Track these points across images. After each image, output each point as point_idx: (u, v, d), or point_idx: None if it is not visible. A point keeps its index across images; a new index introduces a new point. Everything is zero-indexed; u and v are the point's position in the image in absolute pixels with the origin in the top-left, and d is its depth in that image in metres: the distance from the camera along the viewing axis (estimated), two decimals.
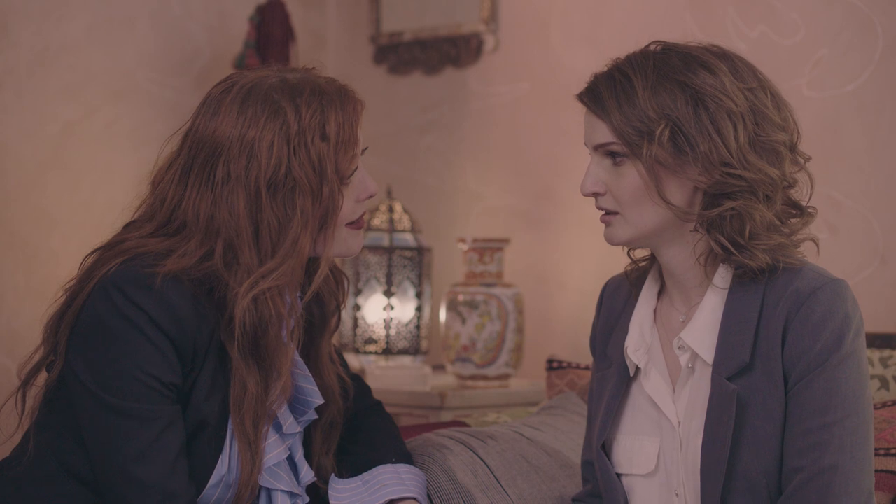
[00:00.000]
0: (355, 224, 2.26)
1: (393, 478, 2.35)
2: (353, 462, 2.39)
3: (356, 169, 2.24)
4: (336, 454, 2.41)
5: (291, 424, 2.26)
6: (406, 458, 2.42)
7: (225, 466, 2.17)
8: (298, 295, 2.23)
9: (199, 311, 2.14)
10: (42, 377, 2.25)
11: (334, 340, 4.00)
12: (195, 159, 2.19)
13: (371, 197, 2.27)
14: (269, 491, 2.26)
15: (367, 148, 2.27)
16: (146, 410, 2.11)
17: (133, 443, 2.11)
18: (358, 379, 2.50)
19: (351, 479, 2.36)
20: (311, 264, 2.26)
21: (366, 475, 2.36)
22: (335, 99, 2.21)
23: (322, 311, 2.35)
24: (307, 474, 2.30)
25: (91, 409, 2.13)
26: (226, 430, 2.18)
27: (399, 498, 2.33)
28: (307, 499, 2.31)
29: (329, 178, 2.18)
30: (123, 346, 2.11)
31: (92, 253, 2.22)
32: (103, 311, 2.13)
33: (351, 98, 2.23)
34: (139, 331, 2.11)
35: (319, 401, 2.29)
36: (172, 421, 2.14)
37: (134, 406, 2.11)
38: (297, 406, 2.29)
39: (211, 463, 2.17)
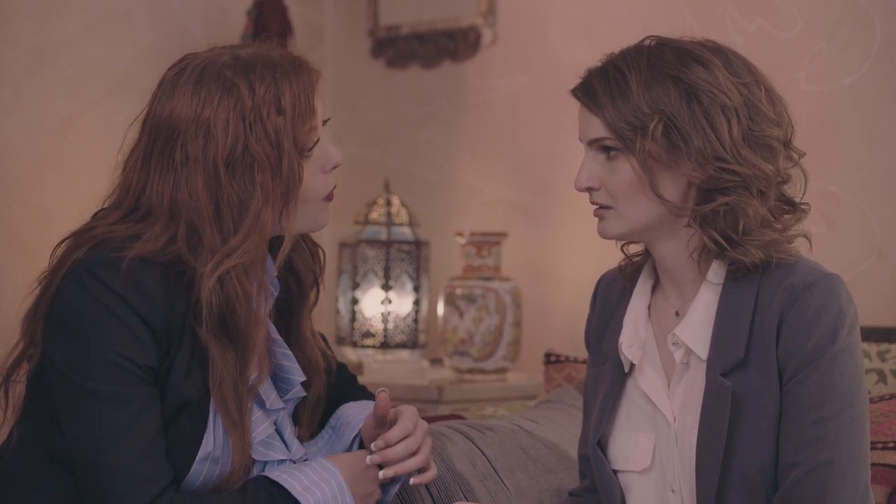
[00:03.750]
0: (328, 196, 2.26)
1: (355, 411, 2.35)
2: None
3: (318, 141, 2.23)
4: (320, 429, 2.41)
5: (275, 400, 2.25)
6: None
7: (210, 444, 2.17)
8: (270, 271, 2.22)
9: (170, 292, 2.13)
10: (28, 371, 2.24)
11: (332, 336, 4.00)
12: (154, 143, 2.17)
13: (336, 167, 2.26)
14: (263, 465, 2.25)
15: (328, 119, 2.26)
16: (120, 393, 2.10)
17: (107, 426, 2.10)
18: (343, 368, 2.50)
19: (320, 436, 2.36)
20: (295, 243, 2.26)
21: (331, 420, 2.36)
22: (289, 71, 2.19)
23: (300, 287, 2.34)
24: (298, 451, 2.29)
25: (66, 393, 2.12)
26: (208, 408, 2.18)
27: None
28: None
29: (287, 152, 2.16)
30: (96, 329, 2.10)
31: (62, 242, 2.22)
32: (74, 295, 2.12)
33: (305, 68, 2.21)
34: (111, 313, 2.10)
35: (301, 377, 2.29)
36: (148, 403, 2.12)
37: (107, 388, 2.10)
38: (279, 385, 2.28)
39: (196, 441, 2.16)
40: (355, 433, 2.33)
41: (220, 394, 2.15)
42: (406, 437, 2.24)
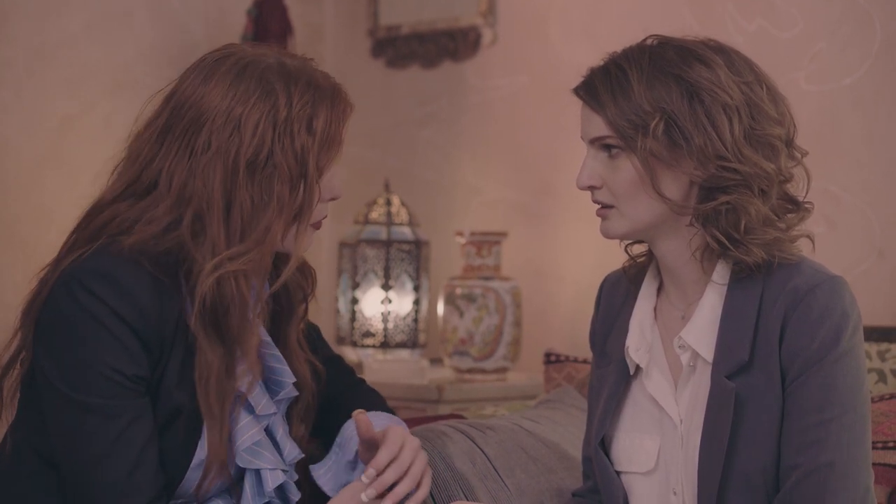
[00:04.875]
0: (316, 224, 2.25)
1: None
2: (329, 428, 2.39)
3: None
4: (319, 429, 2.40)
5: (266, 405, 2.24)
6: (383, 409, 2.40)
7: (205, 451, 2.16)
8: (266, 284, 2.21)
9: (161, 298, 2.12)
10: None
11: (332, 335, 3.99)
12: (176, 121, 2.16)
13: (334, 199, 2.26)
14: (256, 473, 2.24)
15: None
16: (110, 406, 2.09)
17: (96, 440, 2.09)
18: (339, 360, 2.49)
19: (328, 457, 2.35)
20: (278, 255, 2.25)
21: (337, 439, 2.34)
22: (327, 96, 2.19)
23: (289, 300, 2.33)
24: (292, 451, 2.28)
25: (56, 404, 2.11)
26: (202, 416, 2.17)
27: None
28: (296, 476, 2.29)
29: (309, 173, 2.17)
30: (85, 340, 2.09)
31: (70, 236, 2.21)
32: (64, 304, 2.11)
33: (342, 98, 2.22)
34: (100, 324, 2.09)
35: (291, 378, 2.28)
36: (139, 415, 2.11)
37: (97, 402, 2.09)
38: (270, 387, 2.27)
39: (191, 448, 2.15)
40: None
41: (204, 388, 2.14)
42: (393, 460, 2.21)
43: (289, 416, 2.33)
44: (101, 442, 2.09)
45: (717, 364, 2.13)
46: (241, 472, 2.24)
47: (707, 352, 2.15)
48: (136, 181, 2.18)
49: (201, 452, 2.16)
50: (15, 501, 2.18)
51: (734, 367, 2.12)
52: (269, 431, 2.27)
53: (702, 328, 2.16)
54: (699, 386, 2.17)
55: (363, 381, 2.51)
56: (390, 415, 2.38)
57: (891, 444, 2.64)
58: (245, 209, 2.14)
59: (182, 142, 2.15)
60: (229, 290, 2.12)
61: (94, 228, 2.16)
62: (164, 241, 2.13)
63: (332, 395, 2.41)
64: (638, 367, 2.24)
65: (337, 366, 2.47)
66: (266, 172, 2.14)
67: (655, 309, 2.25)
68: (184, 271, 2.14)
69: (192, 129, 2.15)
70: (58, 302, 2.12)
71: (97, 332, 2.09)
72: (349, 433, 2.33)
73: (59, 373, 2.10)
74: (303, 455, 2.31)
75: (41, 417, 2.16)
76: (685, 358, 2.18)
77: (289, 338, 2.32)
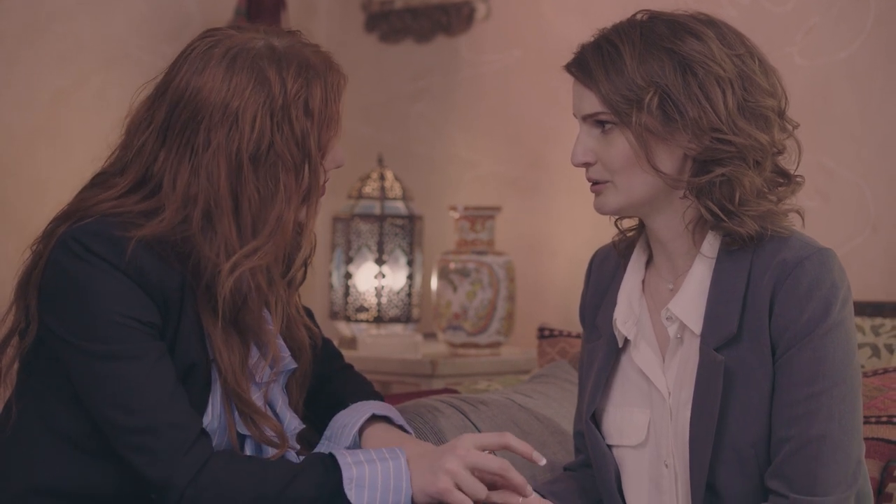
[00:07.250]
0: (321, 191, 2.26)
1: (348, 414, 2.34)
2: (319, 413, 2.39)
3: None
4: (309, 412, 2.40)
5: (264, 374, 2.25)
6: (372, 397, 2.40)
7: (208, 416, 2.17)
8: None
9: (161, 264, 2.12)
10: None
11: (325, 310, 3.99)
12: (174, 118, 2.15)
13: (338, 167, 2.26)
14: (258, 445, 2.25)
15: None
16: (130, 349, 2.10)
17: (125, 383, 2.09)
18: (329, 343, 2.50)
19: (318, 447, 2.34)
20: None
21: (326, 432, 2.35)
22: (321, 73, 2.18)
23: (287, 266, 2.33)
24: (292, 422, 2.29)
25: (78, 362, 2.12)
26: (210, 379, 2.17)
27: (362, 425, 2.31)
28: (297, 447, 2.29)
29: (312, 155, 2.16)
30: (92, 293, 2.10)
31: (63, 211, 2.20)
32: (65, 262, 2.11)
33: (335, 72, 2.21)
34: (105, 273, 2.09)
35: (287, 353, 2.28)
36: (161, 355, 2.12)
37: (118, 348, 2.10)
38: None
39: (199, 411, 2.16)
40: (356, 429, 2.29)
41: (233, 379, 2.15)
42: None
43: (288, 386, 2.34)
44: (130, 383, 2.10)
45: (705, 336, 2.14)
46: (243, 440, 2.24)
47: (695, 324, 2.15)
48: (142, 182, 2.17)
49: (205, 418, 2.16)
50: (19, 468, 2.18)
51: (722, 340, 2.12)
52: (268, 403, 2.27)
53: (690, 300, 2.16)
54: (687, 359, 2.17)
55: (351, 366, 2.51)
56: (378, 402, 2.37)
57: (884, 419, 2.65)
58: (254, 203, 2.14)
59: (182, 139, 2.14)
60: (247, 285, 2.13)
61: (97, 213, 2.16)
62: (172, 235, 2.13)
63: (321, 378, 2.41)
64: (627, 340, 2.24)
65: (327, 348, 2.47)
66: (269, 163, 2.14)
67: (644, 282, 2.26)
68: (190, 267, 2.15)
69: (190, 127, 2.14)
70: (59, 263, 2.12)
71: (102, 284, 2.10)
72: (339, 425, 2.33)
73: (74, 330, 2.11)
74: (304, 426, 2.31)
75: (49, 389, 2.17)
76: (672, 330, 2.18)
77: (288, 304, 2.33)
